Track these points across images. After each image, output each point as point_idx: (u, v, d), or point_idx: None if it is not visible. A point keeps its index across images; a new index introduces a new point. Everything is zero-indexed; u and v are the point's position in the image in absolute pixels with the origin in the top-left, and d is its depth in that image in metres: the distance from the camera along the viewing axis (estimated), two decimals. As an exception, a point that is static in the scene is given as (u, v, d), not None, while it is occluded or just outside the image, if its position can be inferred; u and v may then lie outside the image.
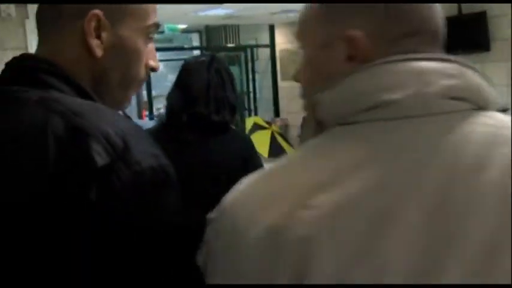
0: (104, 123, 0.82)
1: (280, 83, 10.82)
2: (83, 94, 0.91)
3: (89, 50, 0.93)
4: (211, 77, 2.19)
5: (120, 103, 1.04)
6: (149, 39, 1.04)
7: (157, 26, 1.04)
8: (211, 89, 2.16)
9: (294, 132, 10.14)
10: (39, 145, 0.78)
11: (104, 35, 0.93)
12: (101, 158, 0.78)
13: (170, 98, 2.34)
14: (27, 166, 0.79)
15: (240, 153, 2.16)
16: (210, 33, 12.77)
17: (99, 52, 0.93)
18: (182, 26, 11.54)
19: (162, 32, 9.98)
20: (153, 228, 0.80)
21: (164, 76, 20.47)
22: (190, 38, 13.68)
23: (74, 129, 0.80)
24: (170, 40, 10.52)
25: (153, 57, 1.07)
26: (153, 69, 1.06)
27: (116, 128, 0.82)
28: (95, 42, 0.93)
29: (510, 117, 0.80)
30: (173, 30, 9.14)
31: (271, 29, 10.70)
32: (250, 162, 2.16)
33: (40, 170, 0.77)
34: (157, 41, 8.66)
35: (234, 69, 11.35)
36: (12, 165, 0.80)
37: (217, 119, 2.12)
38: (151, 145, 0.86)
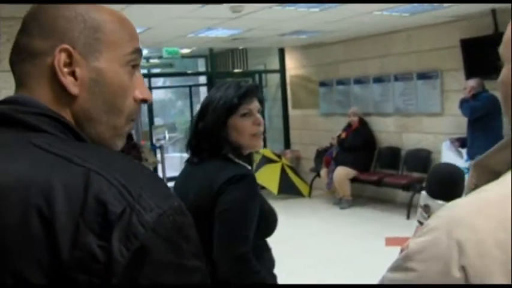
0: (113, 166, 0.79)
1: (291, 112, 9.95)
2: (74, 136, 0.87)
3: (64, 88, 0.87)
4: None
5: (109, 140, 0.93)
6: (134, 68, 0.93)
7: (139, 52, 0.94)
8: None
9: (306, 165, 9.22)
10: (45, 197, 0.75)
11: (78, 70, 0.87)
12: (119, 203, 0.75)
13: None
14: (32, 223, 0.74)
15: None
16: (216, 58, 12.04)
17: (74, 90, 0.87)
18: (186, 50, 10.80)
19: (160, 57, 9.23)
20: (182, 274, 0.78)
21: (172, 103, 19.66)
22: (197, 64, 12.99)
23: (85, 175, 0.76)
24: (170, 65, 9.72)
25: (142, 88, 0.95)
26: (144, 101, 0.95)
27: (127, 171, 0.80)
28: (68, 80, 0.87)
29: None
30: (172, 53, 8.33)
31: (281, 53, 9.88)
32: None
33: (48, 227, 0.73)
34: (157, 65, 7.78)
35: (241, 97, 10.51)
36: (13, 222, 0.74)
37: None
38: (164, 185, 0.83)
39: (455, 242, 0.73)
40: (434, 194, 1.34)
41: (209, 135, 1.93)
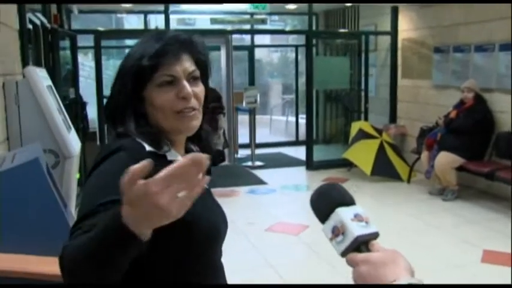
0: None
1: (400, 81, 8.61)
2: None
3: None
4: None
5: None
6: None
7: None
8: None
9: (412, 144, 7.91)
10: None
11: None
12: None
13: None
14: None
15: None
16: (328, 17, 10.94)
17: None
18: (291, 6, 9.84)
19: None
20: None
21: (271, 64, 18.70)
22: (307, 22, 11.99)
23: None
24: (262, 21, 8.79)
25: None
26: None
27: None
28: None
29: None
30: (257, 7, 7.41)
31: (395, 12, 8.51)
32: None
33: None
34: (247, 21, 6.90)
35: (344, 60, 9.36)
36: None
37: None
38: None
39: None
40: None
41: (113, 108, 1.34)
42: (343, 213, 0.99)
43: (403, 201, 6.56)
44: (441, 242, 5.12)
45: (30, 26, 4.28)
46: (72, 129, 3.33)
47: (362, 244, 0.97)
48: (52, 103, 2.97)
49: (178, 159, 1.30)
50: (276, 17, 13.20)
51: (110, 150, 1.24)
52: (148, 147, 1.27)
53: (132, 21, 12.27)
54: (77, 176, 3.18)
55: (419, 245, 4.99)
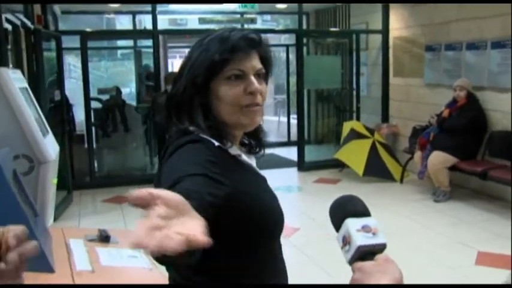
0: None
1: (392, 80, 8.51)
2: None
3: None
4: None
5: None
6: None
7: None
8: None
9: (404, 144, 7.83)
10: None
11: None
12: None
13: None
14: None
15: None
16: (320, 16, 10.84)
17: None
18: (282, 6, 9.72)
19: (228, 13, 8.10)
20: None
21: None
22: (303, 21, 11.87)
23: None
24: (252, 20, 8.66)
25: None
26: None
27: None
28: None
29: None
30: (246, 7, 7.29)
31: (386, 9, 8.42)
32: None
33: None
34: (235, 21, 6.77)
35: (335, 60, 9.27)
36: None
37: None
38: None
39: None
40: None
41: (178, 103, 1.39)
42: (350, 224, 1.04)
43: (396, 202, 6.46)
44: (435, 244, 5.02)
45: (8, 26, 4.14)
46: (50, 133, 3.20)
47: (367, 254, 1.00)
48: (26, 106, 2.84)
49: (239, 153, 1.39)
50: (268, 17, 13.10)
51: (183, 141, 1.29)
52: (216, 143, 1.32)
53: (124, 22, 12.14)
54: (55, 181, 3.05)
55: (412, 246, 4.89)
